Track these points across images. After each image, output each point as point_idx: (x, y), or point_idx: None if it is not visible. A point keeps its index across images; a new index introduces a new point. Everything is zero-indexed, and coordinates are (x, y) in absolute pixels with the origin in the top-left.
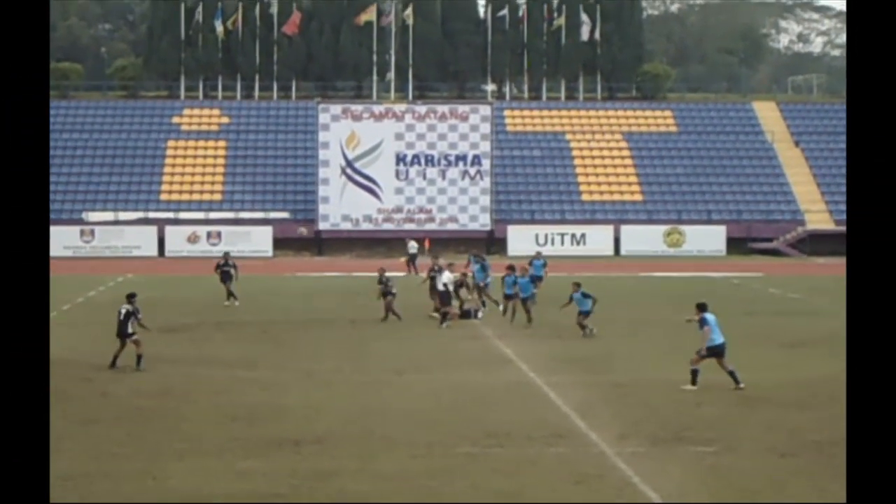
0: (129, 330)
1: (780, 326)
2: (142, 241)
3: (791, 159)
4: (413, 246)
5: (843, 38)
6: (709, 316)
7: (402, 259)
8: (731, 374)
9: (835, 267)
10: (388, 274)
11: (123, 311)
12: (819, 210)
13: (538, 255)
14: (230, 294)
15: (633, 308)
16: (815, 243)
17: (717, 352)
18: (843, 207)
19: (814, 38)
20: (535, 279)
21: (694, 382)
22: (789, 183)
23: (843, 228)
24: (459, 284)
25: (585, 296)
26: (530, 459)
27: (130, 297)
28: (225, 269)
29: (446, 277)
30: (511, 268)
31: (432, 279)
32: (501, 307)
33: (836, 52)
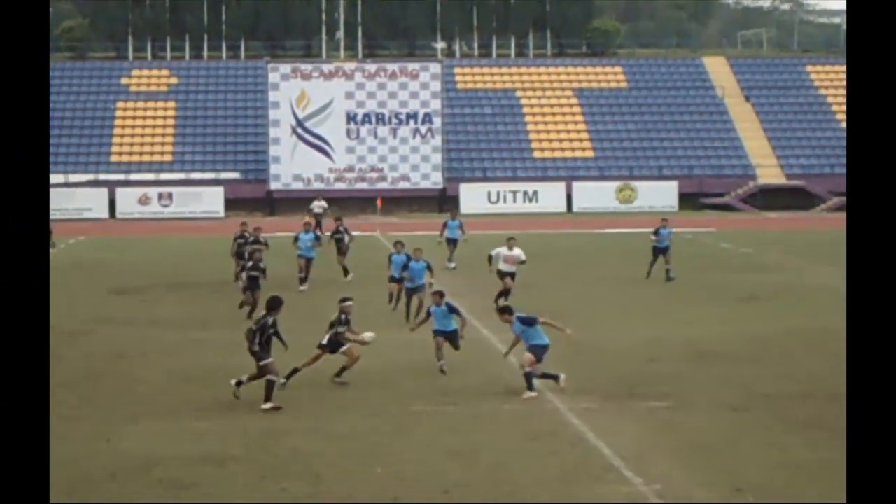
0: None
1: (732, 281)
2: (93, 203)
3: (742, 114)
4: (319, 205)
5: None
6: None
7: (306, 218)
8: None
9: (786, 221)
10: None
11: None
12: (770, 164)
13: (665, 223)
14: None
15: (585, 265)
16: (766, 198)
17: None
18: (794, 162)
19: None
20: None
21: (531, 388)
22: (740, 138)
23: (794, 183)
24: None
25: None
26: (484, 417)
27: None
28: None
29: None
30: (400, 244)
31: (339, 240)
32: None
33: (786, 6)
